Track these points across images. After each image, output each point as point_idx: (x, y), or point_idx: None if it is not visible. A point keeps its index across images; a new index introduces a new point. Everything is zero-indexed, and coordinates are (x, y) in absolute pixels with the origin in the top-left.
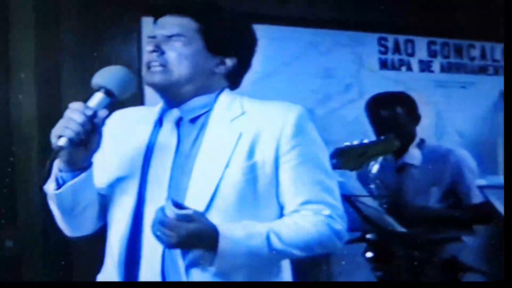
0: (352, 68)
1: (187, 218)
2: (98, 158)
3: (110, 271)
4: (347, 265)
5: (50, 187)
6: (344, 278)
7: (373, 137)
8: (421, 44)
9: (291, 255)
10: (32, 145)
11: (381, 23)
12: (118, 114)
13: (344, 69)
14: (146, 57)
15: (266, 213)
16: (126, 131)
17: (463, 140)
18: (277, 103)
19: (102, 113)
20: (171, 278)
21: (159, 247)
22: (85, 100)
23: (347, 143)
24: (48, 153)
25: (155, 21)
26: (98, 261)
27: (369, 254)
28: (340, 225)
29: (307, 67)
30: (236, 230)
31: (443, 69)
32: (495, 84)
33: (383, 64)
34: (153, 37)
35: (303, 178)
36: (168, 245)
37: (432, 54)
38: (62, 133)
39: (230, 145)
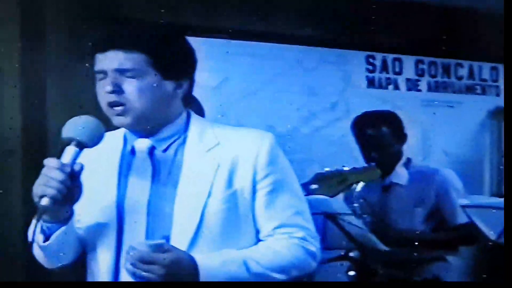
0: (339, 86)
1: (162, 248)
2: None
3: None
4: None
5: (37, 239)
6: None
7: (359, 157)
8: (408, 63)
9: (271, 278)
10: (16, 157)
11: (369, 42)
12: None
13: (330, 87)
14: (105, 97)
15: (246, 239)
16: (93, 160)
17: (449, 159)
18: (249, 131)
19: (78, 167)
20: None
21: None
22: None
23: (328, 169)
24: (31, 165)
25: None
26: None
27: (351, 273)
28: (314, 246)
29: (292, 84)
30: (214, 259)
31: (430, 88)
32: (482, 104)
33: (370, 82)
34: (104, 72)
35: (276, 203)
36: (146, 278)
37: (420, 72)
38: (44, 193)
39: (210, 175)
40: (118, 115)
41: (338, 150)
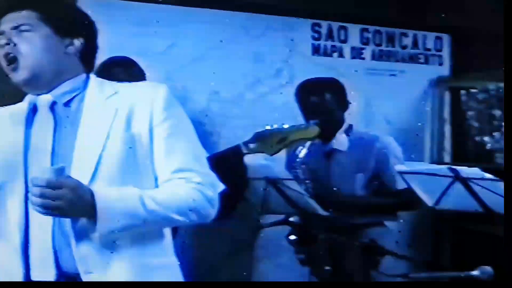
0: (284, 53)
1: (63, 172)
2: None
3: (10, 256)
4: (272, 248)
5: None
6: (268, 262)
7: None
8: (354, 31)
9: (169, 219)
10: None
11: (315, 10)
12: None
13: (276, 54)
14: (1, 51)
15: (145, 184)
16: (2, 130)
17: (391, 127)
18: (146, 82)
19: None
20: (62, 253)
21: (48, 224)
22: None
23: (268, 127)
24: None
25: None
26: None
27: (292, 237)
28: (212, 192)
29: (238, 51)
30: (110, 191)
31: (374, 57)
32: (425, 73)
33: (316, 50)
34: (2, 33)
35: (174, 148)
36: (54, 208)
37: (365, 41)
38: None
39: (108, 119)
40: (13, 70)
41: (282, 116)
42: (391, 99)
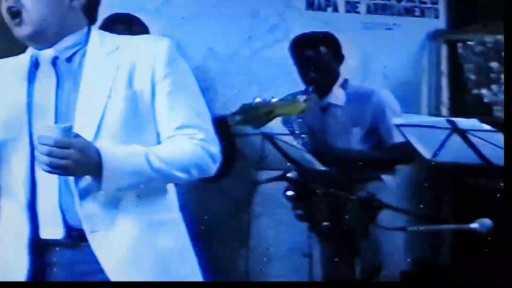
0: (278, 8)
1: (71, 132)
2: None
3: (14, 216)
4: (269, 204)
5: None
6: (265, 217)
7: (297, 78)
8: None
9: (172, 176)
10: None
11: None
12: None
13: (270, 10)
14: (4, 4)
15: (148, 140)
16: (5, 85)
17: (387, 81)
18: (148, 36)
19: None
20: (69, 211)
21: (54, 183)
22: None
23: (258, 99)
24: None
25: None
26: None
27: (289, 193)
28: (214, 148)
29: (232, 8)
30: (117, 149)
31: (369, 11)
32: (421, 26)
33: (310, 5)
34: None
35: (177, 104)
36: (61, 167)
37: None
38: None
39: (110, 77)
40: (17, 25)
41: (277, 72)
42: (387, 53)
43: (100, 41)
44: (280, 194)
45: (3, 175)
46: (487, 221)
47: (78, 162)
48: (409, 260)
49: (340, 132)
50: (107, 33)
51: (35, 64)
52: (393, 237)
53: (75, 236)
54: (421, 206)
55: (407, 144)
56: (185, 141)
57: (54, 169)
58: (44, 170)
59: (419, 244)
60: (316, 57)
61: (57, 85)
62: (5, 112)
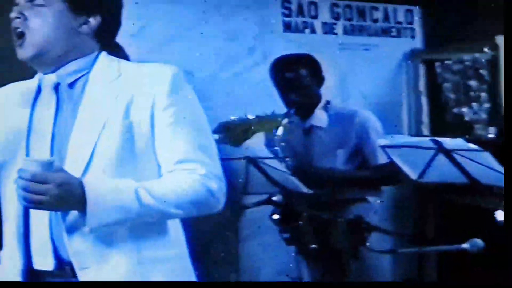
0: (256, 30)
1: (52, 166)
2: None
3: (11, 245)
4: (256, 228)
5: None
6: (253, 241)
7: (279, 101)
8: (324, 6)
9: (166, 213)
10: None
11: None
12: None
13: (248, 32)
14: (12, 24)
15: (146, 174)
16: (8, 109)
17: (367, 101)
18: (153, 64)
19: None
20: (60, 244)
21: (46, 213)
22: None
23: (233, 117)
24: None
25: None
26: None
27: (275, 216)
28: (216, 184)
29: (209, 30)
30: (102, 183)
31: (346, 32)
32: (398, 46)
33: (287, 27)
34: (16, 4)
35: (178, 136)
36: (37, 202)
37: (335, 16)
38: None
39: (107, 107)
40: (19, 46)
41: (259, 94)
42: (366, 74)
43: (104, 67)
44: (266, 217)
45: (2, 199)
46: (478, 241)
47: (56, 198)
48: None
49: (324, 154)
50: (116, 59)
51: (39, 89)
52: (381, 257)
53: (67, 270)
54: (408, 225)
55: (392, 164)
56: (184, 176)
57: (29, 204)
58: (22, 205)
59: (407, 264)
60: (297, 79)
61: (56, 111)
62: (5, 135)
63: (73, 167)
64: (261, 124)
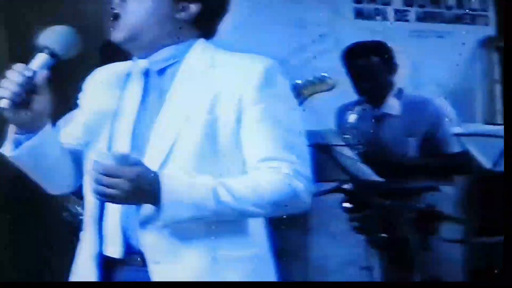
0: (327, 17)
1: (127, 160)
2: (76, 117)
3: (89, 228)
4: (325, 216)
5: (6, 149)
6: (322, 230)
7: (349, 88)
8: None
9: (247, 212)
10: None
11: None
12: (97, 72)
13: (319, 19)
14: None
15: (229, 170)
16: (102, 89)
17: (440, 89)
18: (246, 56)
19: (42, 73)
20: (130, 233)
21: (119, 205)
22: None
23: None
24: None
25: None
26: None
27: (346, 205)
28: (302, 184)
29: (280, 16)
30: (179, 179)
31: (419, 18)
32: (471, 33)
33: (359, 14)
34: None
35: (263, 134)
36: (109, 196)
37: (408, 3)
38: (1, 95)
39: (193, 99)
40: (113, 27)
41: None
42: (439, 61)
43: (198, 57)
44: (336, 206)
45: (85, 179)
46: None
47: (127, 192)
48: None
49: (396, 142)
50: (212, 48)
51: (130, 73)
52: (451, 248)
53: (137, 259)
54: (480, 215)
55: (466, 153)
56: (267, 174)
57: (100, 197)
58: (94, 197)
59: (477, 255)
60: (369, 67)
61: (142, 98)
62: (94, 115)
63: (151, 158)
64: (312, 88)
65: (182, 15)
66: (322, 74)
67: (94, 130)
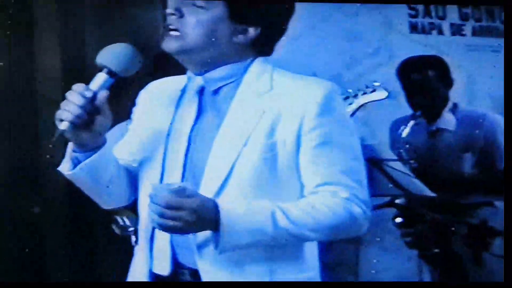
0: (381, 31)
1: (184, 192)
2: (130, 132)
3: (142, 245)
4: (378, 230)
5: (64, 167)
6: (375, 245)
7: (404, 102)
8: (452, 7)
9: (304, 236)
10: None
11: None
12: (151, 86)
13: (372, 33)
14: (167, 20)
15: (287, 194)
16: (156, 104)
17: (495, 104)
18: (307, 79)
19: (102, 94)
20: (181, 248)
21: None
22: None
23: None
24: None
25: None
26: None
27: (398, 220)
28: (359, 209)
29: (333, 30)
30: (238, 206)
31: (475, 33)
32: None
33: (413, 28)
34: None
35: (322, 158)
36: (172, 228)
37: (464, 17)
38: (61, 117)
39: (251, 123)
40: (169, 38)
41: None
42: (494, 76)
43: (256, 78)
44: (388, 220)
45: (139, 194)
46: None
47: (189, 223)
48: None
49: (451, 157)
50: (269, 68)
51: (184, 89)
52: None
53: (186, 274)
54: None
55: None
56: (325, 199)
57: (164, 229)
58: (155, 228)
59: None
60: (424, 81)
61: (196, 117)
62: (148, 132)
63: (209, 183)
64: (364, 96)
65: (240, 38)
66: (374, 83)
67: (148, 148)
